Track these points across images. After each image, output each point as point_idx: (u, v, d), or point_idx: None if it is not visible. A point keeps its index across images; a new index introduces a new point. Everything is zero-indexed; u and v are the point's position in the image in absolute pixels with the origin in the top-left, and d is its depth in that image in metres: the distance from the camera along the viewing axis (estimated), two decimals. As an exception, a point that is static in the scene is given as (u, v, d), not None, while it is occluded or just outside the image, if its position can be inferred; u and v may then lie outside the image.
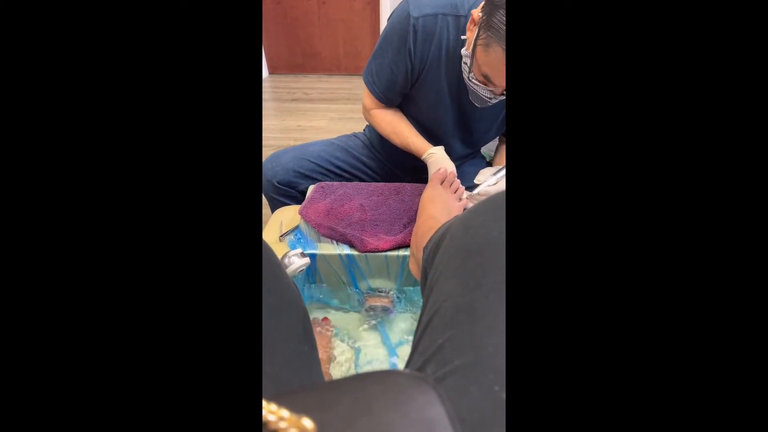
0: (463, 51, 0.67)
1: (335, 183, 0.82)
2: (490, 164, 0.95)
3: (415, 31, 0.70)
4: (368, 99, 0.84)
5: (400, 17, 0.71)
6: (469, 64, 0.65)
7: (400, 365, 0.64)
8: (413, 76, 0.76)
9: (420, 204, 0.68)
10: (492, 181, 0.73)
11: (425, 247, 0.42)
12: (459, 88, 0.76)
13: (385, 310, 0.70)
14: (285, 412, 0.13)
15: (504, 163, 0.81)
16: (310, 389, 0.17)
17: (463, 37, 0.68)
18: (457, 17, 0.70)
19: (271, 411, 0.13)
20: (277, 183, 0.87)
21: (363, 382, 0.17)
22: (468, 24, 0.64)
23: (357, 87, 2.54)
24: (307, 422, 0.13)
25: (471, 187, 0.75)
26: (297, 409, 0.14)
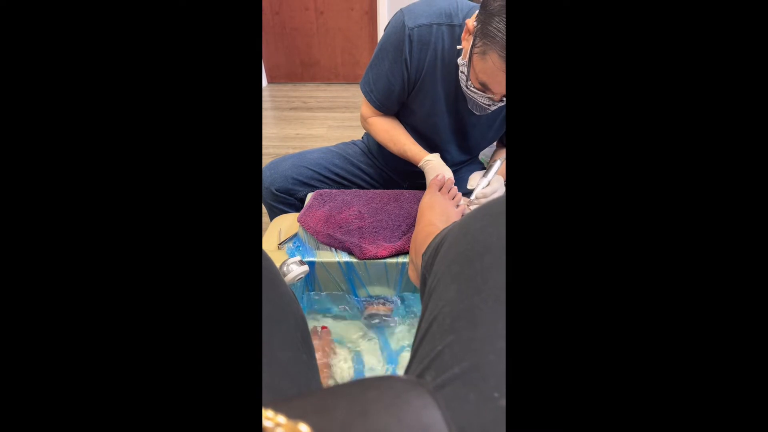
0: (459, 60, 0.67)
1: (334, 190, 0.82)
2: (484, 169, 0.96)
3: (410, 41, 0.71)
4: (365, 107, 0.85)
5: (396, 28, 0.72)
6: (466, 73, 0.66)
7: (400, 373, 0.64)
8: (409, 85, 0.77)
9: (418, 211, 0.68)
10: (484, 182, 0.73)
11: (424, 254, 0.42)
12: (456, 96, 0.77)
13: (385, 318, 0.70)
14: (281, 418, 0.13)
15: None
16: (307, 395, 0.17)
17: (459, 47, 0.69)
18: (452, 26, 0.71)
19: (267, 417, 0.13)
20: (276, 191, 0.88)
21: (359, 387, 0.17)
22: (463, 34, 0.65)
23: (355, 95, 2.56)
24: (304, 428, 0.13)
25: (468, 193, 0.75)
26: (294, 414, 0.14)
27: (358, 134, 1.00)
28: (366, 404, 0.15)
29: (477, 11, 0.70)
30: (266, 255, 0.36)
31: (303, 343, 0.34)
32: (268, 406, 0.14)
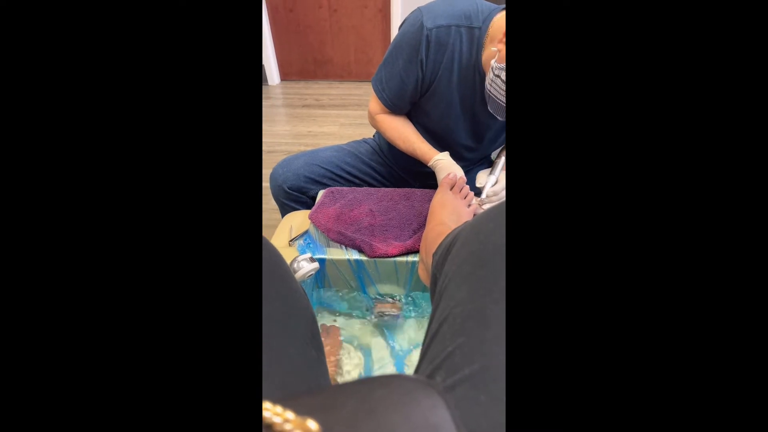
0: (493, 63, 0.65)
1: (345, 188, 0.82)
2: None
3: (428, 42, 0.70)
4: (375, 104, 0.84)
5: (413, 27, 0.71)
6: (503, 77, 0.64)
7: (409, 371, 0.64)
8: (423, 86, 0.76)
9: (429, 209, 0.68)
10: (492, 180, 0.73)
11: (435, 253, 0.42)
12: (472, 98, 0.76)
13: (394, 316, 0.70)
14: (290, 414, 0.13)
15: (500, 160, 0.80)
16: (315, 392, 0.17)
17: (493, 48, 0.67)
18: (471, 29, 0.70)
19: (276, 413, 0.13)
20: (288, 188, 0.88)
21: (368, 385, 0.17)
22: (502, 36, 0.63)
23: (367, 93, 2.56)
24: (312, 424, 0.13)
25: (478, 191, 0.74)
26: (302, 411, 0.14)
27: (369, 132, 1.00)
28: (374, 402, 0.15)
29: (499, 12, 0.69)
30: (277, 251, 0.36)
31: (312, 339, 0.34)
32: (277, 403, 0.14)
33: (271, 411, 0.13)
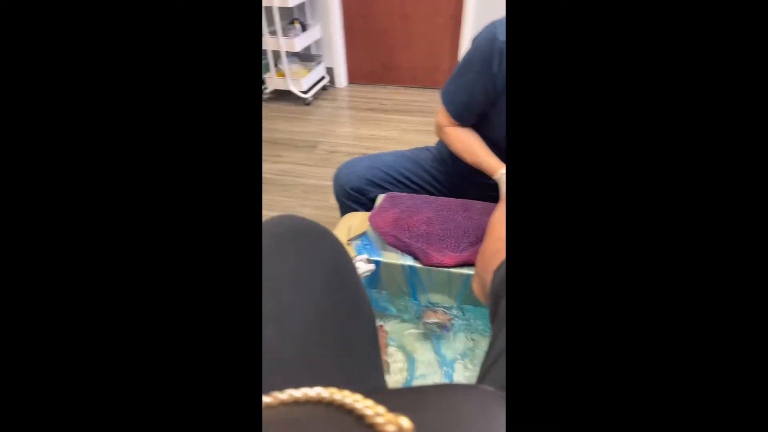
0: None
1: (405, 194, 0.83)
2: None
3: (500, 55, 0.70)
4: (443, 116, 0.84)
5: (486, 39, 0.71)
6: None
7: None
8: (493, 97, 0.75)
9: (489, 224, 0.67)
10: None
11: (497, 270, 0.41)
12: None
13: (442, 327, 0.70)
14: (381, 409, 0.14)
15: None
16: (394, 391, 0.18)
17: None
18: None
19: (367, 406, 0.14)
20: (350, 189, 0.91)
21: (449, 391, 0.17)
22: None
23: (431, 100, 2.57)
24: (405, 421, 0.14)
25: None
26: (392, 407, 0.14)
27: (429, 138, 1.01)
28: (457, 409, 0.16)
29: None
30: (345, 250, 0.38)
31: (372, 339, 0.35)
32: (368, 396, 0.15)
33: (362, 403, 0.14)
